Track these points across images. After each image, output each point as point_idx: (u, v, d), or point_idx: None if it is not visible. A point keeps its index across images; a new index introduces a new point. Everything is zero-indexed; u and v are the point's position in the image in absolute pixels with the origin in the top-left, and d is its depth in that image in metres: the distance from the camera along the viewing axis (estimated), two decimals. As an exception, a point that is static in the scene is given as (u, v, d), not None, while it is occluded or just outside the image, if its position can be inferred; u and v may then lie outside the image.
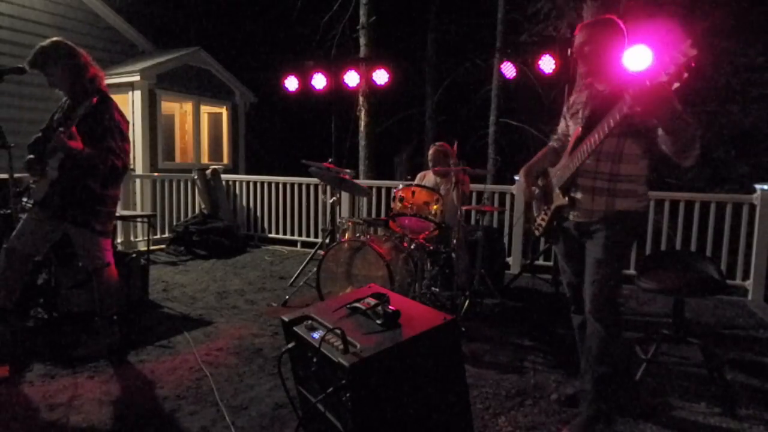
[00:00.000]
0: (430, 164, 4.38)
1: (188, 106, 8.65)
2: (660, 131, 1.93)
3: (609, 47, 2.14)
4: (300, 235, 6.68)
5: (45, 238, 2.74)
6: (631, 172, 2.09)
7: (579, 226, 2.21)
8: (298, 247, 6.63)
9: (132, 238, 5.98)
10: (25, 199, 3.17)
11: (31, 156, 2.71)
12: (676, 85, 1.68)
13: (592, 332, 2.15)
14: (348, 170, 4.80)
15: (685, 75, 1.65)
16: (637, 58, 2.22)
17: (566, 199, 2.21)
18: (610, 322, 2.11)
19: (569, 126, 2.37)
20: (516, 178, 2.42)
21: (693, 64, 1.62)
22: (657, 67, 1.70)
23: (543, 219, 2.38)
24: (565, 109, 2.43)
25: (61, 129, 2.50)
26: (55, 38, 2.68)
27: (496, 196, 5.63)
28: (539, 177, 2.41)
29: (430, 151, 4.39)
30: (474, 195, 5.61)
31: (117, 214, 3.10)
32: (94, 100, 2.60)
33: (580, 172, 2.16)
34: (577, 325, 2.41)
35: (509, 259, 5.38)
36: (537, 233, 2.46)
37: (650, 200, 2.74)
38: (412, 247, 3.69)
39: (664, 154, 1.99)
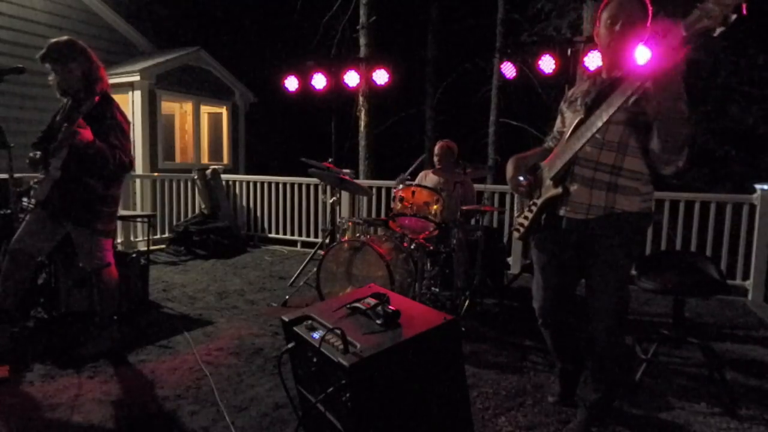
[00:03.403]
0: (436, 161, 4.37)
1: (188, 106, 8.66)
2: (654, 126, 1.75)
3: (641, 29, 1.86)
4: (300, 235, 6.67)
5: (48, 239, 2.74)
6: (636, 168, 1.89)
7: (571, 223, 1.99)
8: (298, 247, 6.63)
9: (132, 238, 5.98)
10: (25, 200, 3.17)
11: (36, 154, 2.71)
12: (720, 30, 1.43)
13: (602, 354, 2.02)
14: (347, 170, 4.81)
15: (733, 17, 1.41)
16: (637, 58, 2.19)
17: (559, 188, 1.96)
18: (621, 341, 2.01)
19: (566, 120, 2.13)
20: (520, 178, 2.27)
21: None
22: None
23: (526, 218, 2.13)
24: (561, 103, 2.20)
25: (65, 125, 2.49)
26: (67, 37, 2.68)
27: (496, 196, 5.64)
28: (529, 172, 2.16)
29: (437, 147, 4.37)
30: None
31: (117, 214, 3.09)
32: (96, 99, 2.61)
33: (577, 160, 1.92)
34: (550, 336, 2.26)
35: (509, 259, 5.38)
36: (517, 235, 2.18)
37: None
38: (412, 247, 3.69)
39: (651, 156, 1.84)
